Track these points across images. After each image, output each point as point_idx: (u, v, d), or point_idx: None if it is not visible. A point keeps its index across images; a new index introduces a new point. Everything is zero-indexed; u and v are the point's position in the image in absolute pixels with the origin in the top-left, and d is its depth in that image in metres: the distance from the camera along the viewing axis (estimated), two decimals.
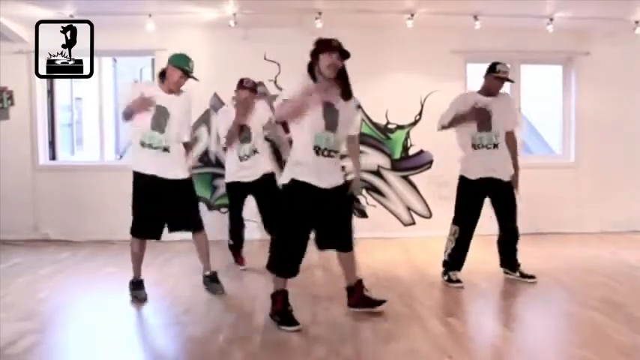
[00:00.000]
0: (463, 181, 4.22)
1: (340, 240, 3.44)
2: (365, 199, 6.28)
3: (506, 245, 4.31)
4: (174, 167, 3.78)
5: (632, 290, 4.01)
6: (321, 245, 3.45)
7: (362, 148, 6.20)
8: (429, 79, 6.20)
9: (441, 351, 2.86)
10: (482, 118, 4.09)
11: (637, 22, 5.80)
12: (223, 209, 6.22)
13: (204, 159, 6.18)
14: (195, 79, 3.99)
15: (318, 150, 3.22)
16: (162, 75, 3.87)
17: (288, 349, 2.92)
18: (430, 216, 6.28)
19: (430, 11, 5.54)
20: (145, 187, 3.74)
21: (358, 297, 3.53)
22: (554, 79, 6.91)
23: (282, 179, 3.30)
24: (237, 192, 4.72)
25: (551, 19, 5.72)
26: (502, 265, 4.37)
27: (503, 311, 3.74)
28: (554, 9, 5.58)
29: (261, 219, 4.85)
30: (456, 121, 4.16)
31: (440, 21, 5.80)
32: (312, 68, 3.33)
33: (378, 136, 6.21)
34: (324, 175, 3.23)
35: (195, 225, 3.99)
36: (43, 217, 6.09)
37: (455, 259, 4.20)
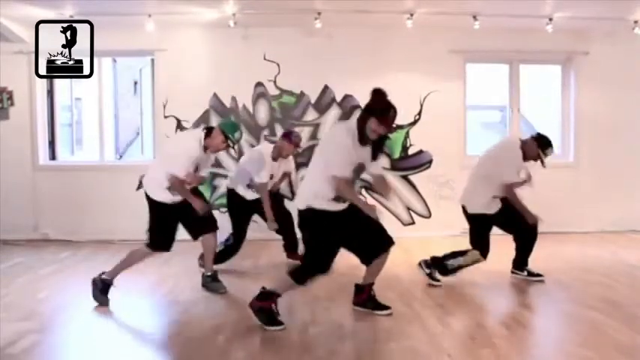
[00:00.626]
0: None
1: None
2: (365, 199, 6.28)
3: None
4: None
5: (631, 290, 4.02)
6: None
7: None
8: (429, 79, 6.21)
9: (440, 350, 2.86)
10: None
11: (636, 21, 5.81)
12: (223, 209, 6.22)
13: None
14: (233, 147, 4.11)
15: None
16: (209, 133, 3.83)
17: (288, 348, 2.93)
18: (430, 216, 6.29)
19: (429, 11, 5.55)
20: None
21: (366, 297, 3.55)
22: (554, 79, 6.92)
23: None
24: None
25: (551, 19, 5.73)
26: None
27: (503, 311, 3.75)
28: (553, 9, 5.59)
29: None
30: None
31: (439, 21, 5.81)
32: (362, 123, 3.16)
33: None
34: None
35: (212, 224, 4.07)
36: (43, 217, 6.10)
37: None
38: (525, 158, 4.16)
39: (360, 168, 3.27)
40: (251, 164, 4.68)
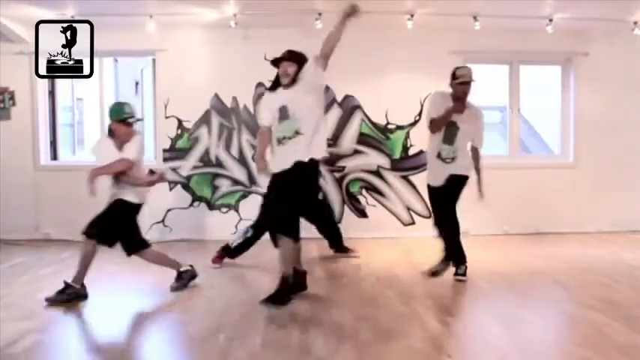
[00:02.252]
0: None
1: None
2: (365, 199, 6.30)
3: None
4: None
5: (631, 290, 4.03)
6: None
7: (362, 148, 6.27)
8: (429, 80, 6.19)
9: (440, 350, 2.87)
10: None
11: (635, 22, 5.82)
12: (224, 209, 6.25)
13: (205, 159, 6.20)
14: (139, 119, 4.15)
15: None
16: (111, 133, 3.98)
17: (289, 348, 2.93)
18: (430, 216, 6.28)
19: (430, 12, 5.56)
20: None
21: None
22: (553, 80, 6.93)
23: None
24: None
25: (551, 20, 5.74)
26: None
27: (503, 310, 3.75)
28: (553, 10, 5.60)
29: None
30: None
31: (439, 22, 5.82)
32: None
33: (377, 137, 6.23)
34: None
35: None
36: (45, 217, 6.11)
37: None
38: (459, 98, 4.21)
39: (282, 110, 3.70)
40: None
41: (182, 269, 4.15)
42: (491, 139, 8.35)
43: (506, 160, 6.50)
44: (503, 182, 6.15)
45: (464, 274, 4.24)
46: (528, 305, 3.75)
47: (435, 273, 4.35)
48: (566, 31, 6.06)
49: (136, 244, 4.05)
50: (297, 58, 3.90)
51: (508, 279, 4.36)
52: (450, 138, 4.20)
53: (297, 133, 3.67)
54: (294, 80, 3.79)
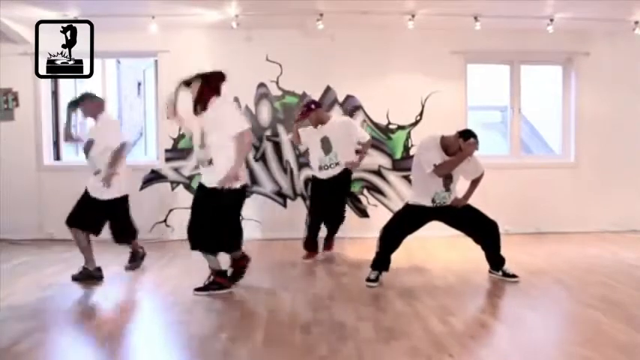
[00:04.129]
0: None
1: None
2: (366, 198, 6.32)
3: None
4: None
5: (631, 289, 4.03)
6: None
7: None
8: (430, 80, 6.24)
9: (441, 350, 2.88)
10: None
11: (636, 22, 5.83)
12: None
13: None
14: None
15: None
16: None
17: (290, 347, 2.95)
18: None
19: (431, 12, 5.58)
20: None
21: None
22: (554, 80, 6.93)
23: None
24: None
25: (552, 20, 5.75)
26: None
27: (504, 310, 3.77)
28: (554, 10, 5.61)
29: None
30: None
31: (440, 22, 5.83)
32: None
33: (379, 137, 6.24)
34: None
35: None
36: (48, 217, 6.13)
37: None
38: (452, 154, 4.10)
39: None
40: None
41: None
42: (492, 139, 8.36)
43: (507, 160, 6.51)
44: (504, 182, 6.17)
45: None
46: (529, 305, 3.75)
47: None
48: (566, 31, 6.07)
49: None
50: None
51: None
52: (448, 185, 4.19)
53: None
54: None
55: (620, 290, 4.00)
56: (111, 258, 5.12)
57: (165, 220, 6.18)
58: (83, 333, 3.30)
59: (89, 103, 4.51)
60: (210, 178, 3.79)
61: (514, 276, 4.27)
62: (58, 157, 6.47)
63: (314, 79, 6.18)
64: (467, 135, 4.10)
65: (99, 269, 4.43)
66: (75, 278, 4.35)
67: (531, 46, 6.27)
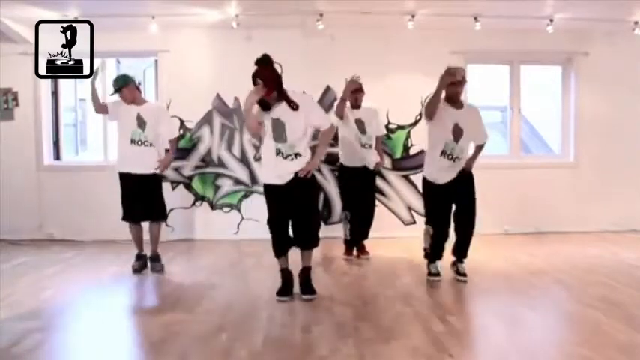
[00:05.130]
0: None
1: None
2: None
3: None
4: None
5: (631, 289, 4.04)
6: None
7: None
8: (430, 80, 6.13)
9: (441, 350, 2.89)
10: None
11: (636, 22, 5.83)
12: (226, 209, 6.27)
13: (207, 159, 6.22)
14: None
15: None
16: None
17: (291, 347, 2.96)
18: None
19: (431, 12, 5.58)
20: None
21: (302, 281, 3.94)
22: (554, 80, 6.94)
23: None
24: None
25: (551, 20, 5.75)
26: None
27: (504, 310, 3.77)
28: (553, 10, 5.62)
29: None
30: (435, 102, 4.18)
31: (440, 22, 5.84)
32: None
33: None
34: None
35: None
36: (48, 217, 6.14)
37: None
38: (453, 100, 4.22)
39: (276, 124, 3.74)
40: None
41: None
42: (492, 139, 8.36)
43: (507, 160, 6.52)
44: (504, 182, 6.18)
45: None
46: (529, 305, 3.76)
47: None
48: (566, 31, 6.07)
49: None
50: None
51: (509, 278, 4.38)
52: (458, 138, 4.19)
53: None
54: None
55: (620, 290, 4.01)
56: (111, 258, 5.13)
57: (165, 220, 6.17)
58: (83, 333, 3.30)
59: (134, 88, 4.63)
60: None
61: (464, 275, 4.30)
62: (58, 157, 6.47)
63: (314, 79, 6.18)
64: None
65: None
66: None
67: (531, 46, 6.28)
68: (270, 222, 3.86)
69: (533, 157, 8.12)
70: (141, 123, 4.58)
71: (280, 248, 3.89)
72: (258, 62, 3.78)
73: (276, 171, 3.74)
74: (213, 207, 6.23)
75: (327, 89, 6.24)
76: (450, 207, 4.30)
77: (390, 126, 6.27)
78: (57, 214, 6.16)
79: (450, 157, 4.19)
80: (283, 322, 3.38)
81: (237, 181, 6.26)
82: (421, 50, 6.17)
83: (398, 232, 6.20)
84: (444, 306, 3.67)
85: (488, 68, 7.14)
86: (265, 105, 3.73)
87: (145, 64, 6.99)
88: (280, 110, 3.73)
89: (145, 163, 4.61)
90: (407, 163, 6.29)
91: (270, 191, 3.81)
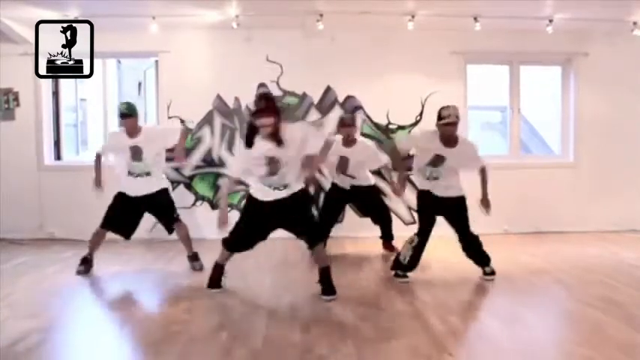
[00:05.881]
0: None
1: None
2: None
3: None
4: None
5: (631, 289, 4.05)
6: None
7: None
8: (430, 80, 6.25)
9: (441, 349, 2.90)
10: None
11: (635, 23, 5.84)
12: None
13: (208, 159, 6.23)
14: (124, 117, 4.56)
15: None
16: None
17: (291, 346, 2.96)
18: None
19: (430, 13, 5.59)
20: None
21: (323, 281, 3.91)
22: (554, 80, 6.95)
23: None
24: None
25: (551, 21, 5.76)
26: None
27: (504, 309, 3.78)
28: (553, 10, 5.62)
29: None
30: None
31: (440, 22, 5.84)
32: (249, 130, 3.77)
33: (379, 137, 6.25)
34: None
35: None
36: (49, 217, 6.15)
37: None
38: (447, 140, 4.20)
39: (271, 161, 3.66)
40: None
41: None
42: (492, 139, 8.38)
43: (507, 160, 6.53)
44: (504, 182, 6.16)
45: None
46: (529, 304, 3.77)
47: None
48: (566, 31, 6.08)
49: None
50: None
51: (509, 278, 4.38)
52: (437, 164, 4.24)
53: None
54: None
55: (620, 290, 4.02)
56: (111, 258, 5.14)
57: None
58: (83, 332, 3.31)
59: (136, 120, 4.60)
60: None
61: (493, 273, 4.35)
62: (58, 157, 6.49)
63: (314, 79, 6.19)
64: (439, 116, 4.16)
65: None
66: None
67: (531, 46, 6.29)
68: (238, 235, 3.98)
69: (533, 157, 8.13)
70: (137, 154, 4.53)
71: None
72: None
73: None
74: (213, 207, 6.24)
75: (328, 89, 6.25)
76: (435, 219, 4.34)
77: (390, 126, 6.28)
78: (57, 214, 6.17)
79: (435, 178, 4.27)
80: (283, 321, 3.39)
81: (238, 181, 6.25)
82: (421, 50, 6.18)
83: (398, 232, 6.16)
84: (444, 305, 3.68)
85: (488, 68, 7.15)
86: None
87: (146, 65, 7.01)
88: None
89: (148, 187, 4.63)
90: (407, 163, 6.27)
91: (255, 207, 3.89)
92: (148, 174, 4.59)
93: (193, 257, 4.80)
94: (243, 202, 6.21)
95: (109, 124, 6.75)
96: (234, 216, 6.24)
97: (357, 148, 5.05)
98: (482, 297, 4.07)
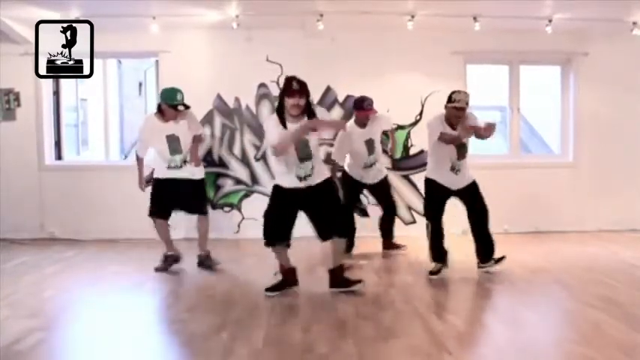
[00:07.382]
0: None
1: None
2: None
3: None
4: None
5: (631, 288, 4.05)
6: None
7: None
8: (430, 80, 6.25)
9: (441, 348, 2.90)
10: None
11: (634, 23, 5.83)
12: (227, 208, 6.29)
13: (208, 159, 6.23)
14: (187, 106, 4.58)
15: None
16: (160, 110, 4.57)
17: (291, 346, 2.97)
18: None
19: (430, 13, 5.59)
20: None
21: (338, 279, 3.97)
22: (553, 80, 6.95)
23: None
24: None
25: (550, 21, 5.76)
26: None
27: (503, 309, 3.79)
28: (553, 10, 5.62)
29: None
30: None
31: (440, 22, 5.85)
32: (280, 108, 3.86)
33: None
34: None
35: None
36: (49, 216, 6.16)
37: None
38: (452, 123, 4.38)
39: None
40: None
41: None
42: (492, 138, 8.35)
43: (507, 160, 6.53)
44: (504, 182, 6.19)
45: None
46: (529, 304, 3.78)
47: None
48: (565, 31, 6.08)
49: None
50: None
51: (509, 277, 4.39)
52: (463, 154, 4.37)
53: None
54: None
55: (620, 289, 4.02)
56: (112, 257, 5.15)
57: None
58: (83, 332, 3.32)
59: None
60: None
61: (499, 260, 4.42)
62: (59, 156, 6.49)
63: (314, 79, 6.11)
64: (449, 98, 4.29)
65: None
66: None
67: (530, 46, 6.29)
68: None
69: (532, 156, 8.13)
70: (173, 143, 4.57)
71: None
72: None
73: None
74: (213, 206, 6.24)
75: (328, 89, 6.25)
76: (445, 203, 4.41)
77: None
78: (58, 214, 6.17)
79: (457, 171, 4.35)
80: (283, 320, 3.40)
81: (238, 181, 6.28)
82: (421, 50, 6.18)
83: (398, 232, 6.18)
84: (444, 305, 3.69)
85: (487, 68, 7.16)
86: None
87: (146, 65, 7.02)
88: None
89: (188, 172, 4.70)
90: (407, 163, 6.30)
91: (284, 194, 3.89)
92: (186, 163, 4.67)
93: (205, 256, 4.77)
94: (245, 200, 6.28)
95: (110, 124, 6.76)
96: (236, 217, 6.32)
97: (373, 122, 5.20)
98: (482, 296, 4.07)
